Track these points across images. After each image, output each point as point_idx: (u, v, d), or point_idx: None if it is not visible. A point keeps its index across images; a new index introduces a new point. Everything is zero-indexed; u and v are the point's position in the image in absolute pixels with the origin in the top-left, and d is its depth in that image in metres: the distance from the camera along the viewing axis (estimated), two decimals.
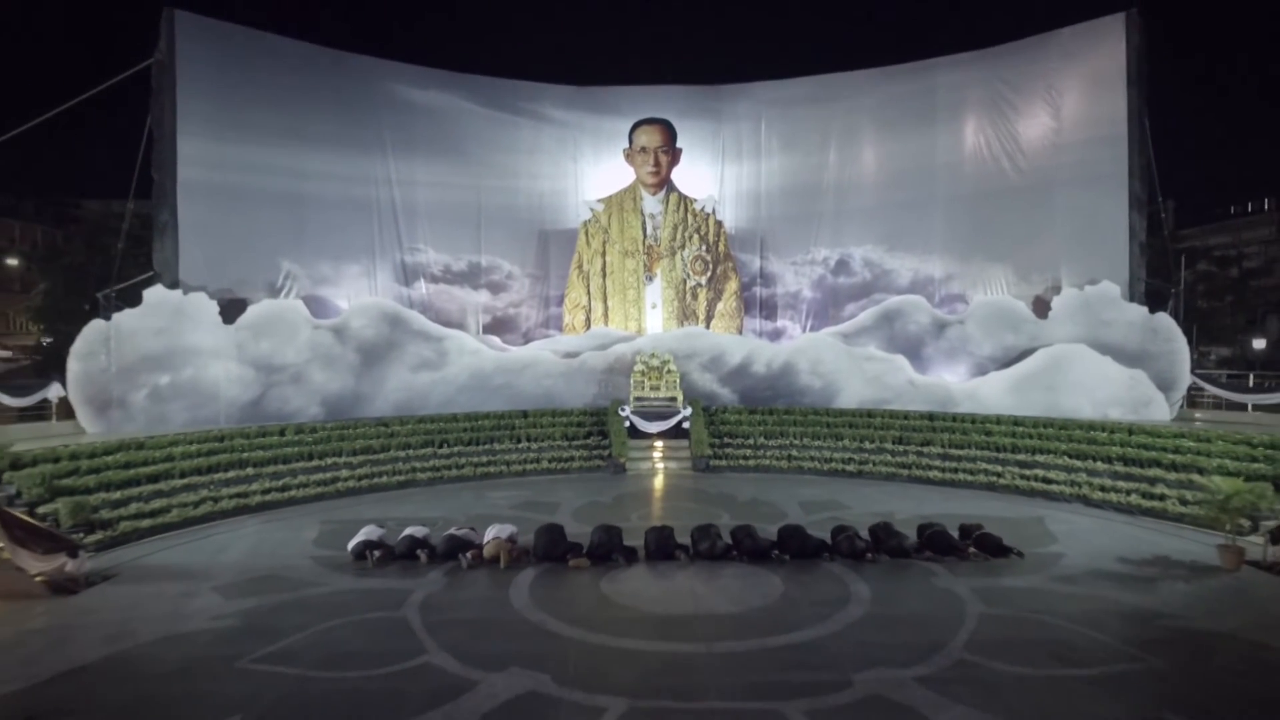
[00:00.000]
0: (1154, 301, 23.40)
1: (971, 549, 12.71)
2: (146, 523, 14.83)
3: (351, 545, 12.85)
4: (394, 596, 10.80)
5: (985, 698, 7.53)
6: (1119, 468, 17.80)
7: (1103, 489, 17.23)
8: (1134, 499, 16.42)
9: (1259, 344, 48.07)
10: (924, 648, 8.76)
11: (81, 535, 13.37)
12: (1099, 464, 18.12)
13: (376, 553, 12.64)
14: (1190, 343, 34.21)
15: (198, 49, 22.46)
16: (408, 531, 13.16)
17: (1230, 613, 9.98)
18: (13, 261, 52.24)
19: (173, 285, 21.68)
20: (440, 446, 21.37)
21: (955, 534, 13.14)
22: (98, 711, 7.42)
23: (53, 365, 35.81)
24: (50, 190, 66.65)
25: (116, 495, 15.20)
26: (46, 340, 43.53)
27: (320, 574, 11.98)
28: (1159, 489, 16.38)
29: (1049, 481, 18.16)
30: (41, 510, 13.77)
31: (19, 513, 12.65)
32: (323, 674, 8.21)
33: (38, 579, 11.83)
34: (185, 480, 16.73)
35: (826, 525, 13.73)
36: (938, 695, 7.60)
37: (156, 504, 15.58)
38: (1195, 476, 15.59)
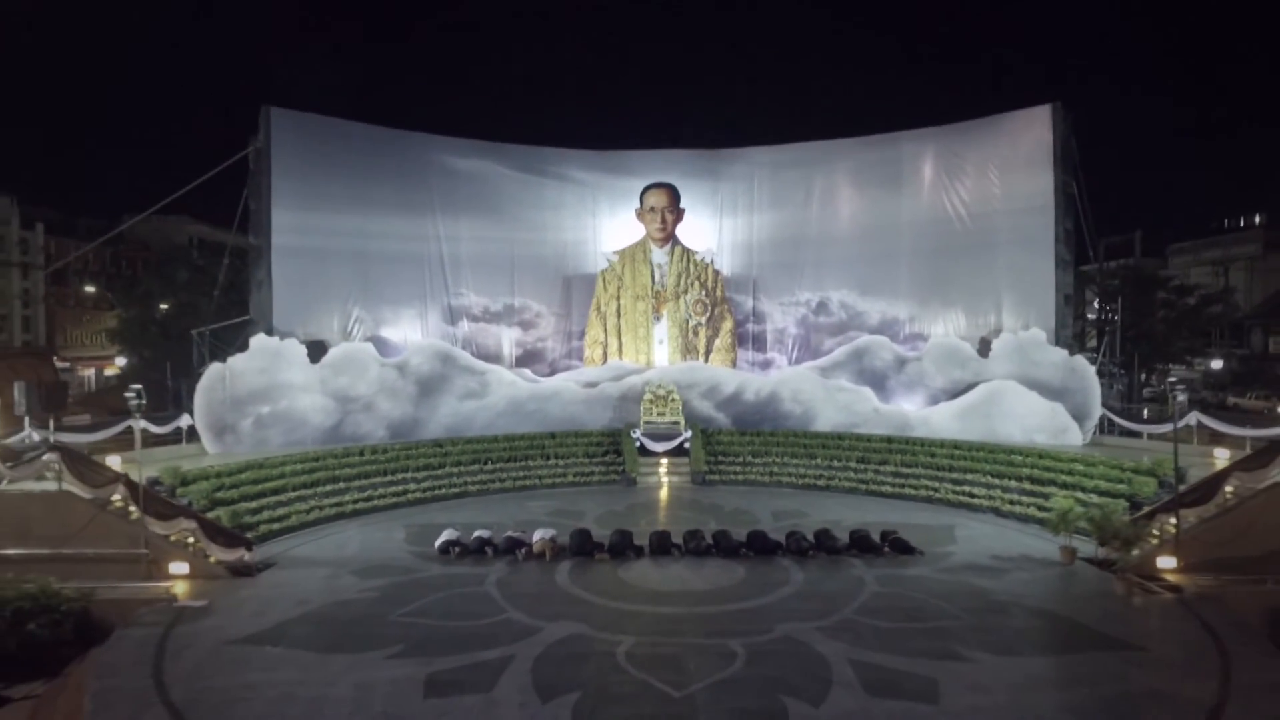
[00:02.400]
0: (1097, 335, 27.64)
1: (886, 548, 17.47)
2: (276, 525, 19.84)
3: (438, 543, 17.76)
4: (475, 578, 15.70)
5: (852, 638, 12.32)
6: (1027, 485, 22.44)
7: (1011, 502, 21.91)
8: (1031, 510, 21.09)
9: (1216, 364, 52.24)
10: (827, 611, 13.57)
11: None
12: (1012, 482, 22.78)
13: (456, 549, 17.56)
14: (1133, 369, 38.67)
15: (288, 137, 27.51)
16: (477, 534, 18.05)
17: (1041, 592, 14.74)
18: (90, 289, 57.77)
19: (269, 332, 26.69)
20: (485, 464, 26.25)
21: (877, 537, 17.91)
22: (318, 641, 12.33)
23: (140, 382, 40.56)
24: (92, 206, 72.20)
25: (253, 504, 20.18)
26: (122, 360, 48.84)
27: (419, 563, 16.91)
28: (1051, 503, 21.01)
29: (972, 495, 22.85)
30: (208, 516, 18.74)
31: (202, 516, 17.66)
32: (445, 623, 13.12)
33: (219, 564, 16.80)
34: (296, 493, 21.72)
35: (787, 530, 18.49)
36: (824, 636, 12.40)
37: (280, 511, 20.57)
38: (1053, 492, 20.21)
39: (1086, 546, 17.13)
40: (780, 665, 11.34)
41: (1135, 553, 16.02)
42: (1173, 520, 17.00)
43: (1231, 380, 63.02)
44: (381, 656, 11.69)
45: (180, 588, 15.41)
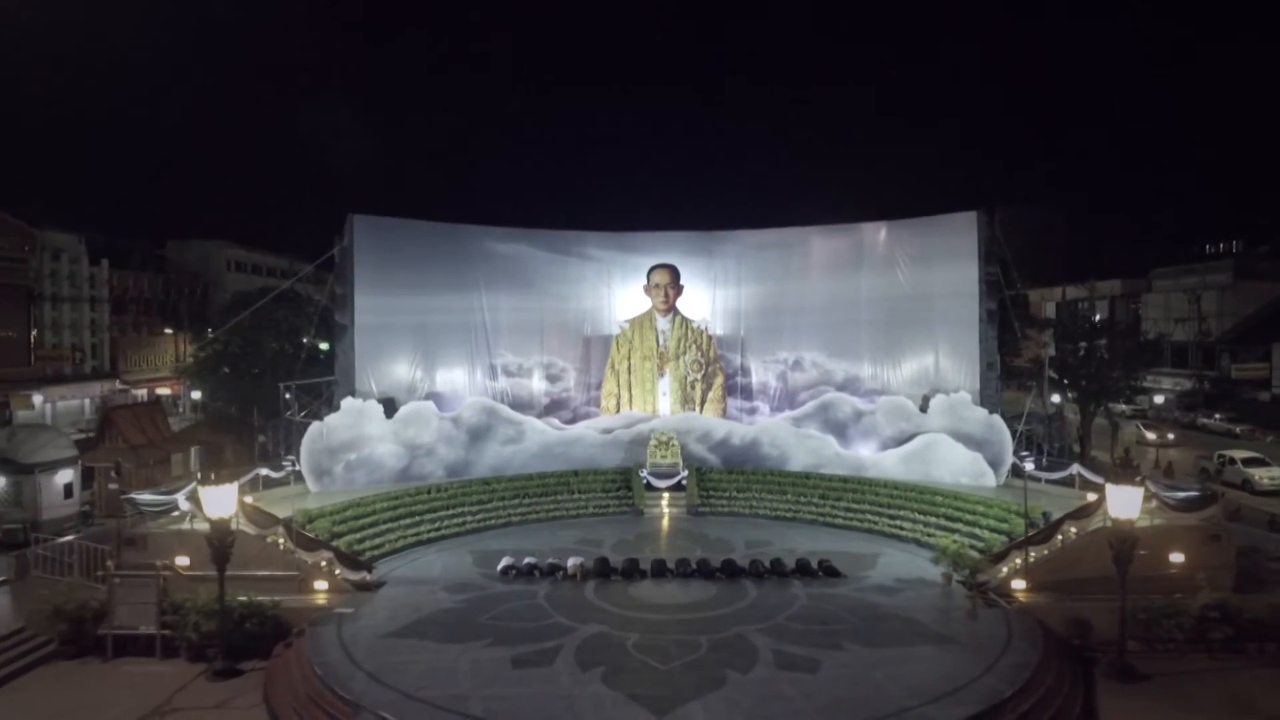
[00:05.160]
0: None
1: (820, 572, 24.29)
2: (377, 552, 26.81)
3: (499, 567, 24.70)
4: (529, 594, 22.64)
5: (777, 635, 19.18)
6: (943, 521, 29.11)
7: (929, 535, 28.61)
8: (948, 541, 27.74)
9: (1158, 399, 58.58)
10: (767, 618, 20.42)
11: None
12: (932, 518, 29.47)
13: (513, 571, 24.51)
14: (1067, 401, 44.77)
15: (368, 237, 34.67)
16: (526, 560, 24.99)
17: (917, 605, 21.52)
18: (169, 330, 65.27)
19: (353, 394, 33.76)
20: (524, 498, 33.12)
21: (815, 564, 24.72)
22: (436, 635, 19.29)
23: (223, 422, 47.43)
24: (133, 233, 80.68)
25: (358, 535, 27.16)
26: (195, 394, 56.09)
27: (487, 582, 23.87)
28: (937, 539, 27.55)
29: (901, 528, 29.56)
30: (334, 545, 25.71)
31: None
32: (515, 624, 20.08)
33: (347, 583, 23.73)
34: (386, 525, 28.71)
35: (751, 558, 25.28)
36: (760, 634, 19.26)
37: (377, 540, 27.56)
38: (959, 528, 26.93)
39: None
40: (729, 651, 18.24)
41: (984, 577, 22.76)
42: (1030, 553, 23.77)
43: (1203, 401, 69.70)
44: (480, 645, 18.67)
45: (325, 600, 22.44)
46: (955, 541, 25.21)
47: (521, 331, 39.14)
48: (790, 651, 18.24)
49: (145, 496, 24.62)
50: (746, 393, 40.19)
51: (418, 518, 29.91)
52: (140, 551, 23.09)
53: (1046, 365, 40.95)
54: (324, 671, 17.03)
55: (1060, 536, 24.20)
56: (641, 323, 39.72)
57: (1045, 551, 23.94)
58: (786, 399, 39.26)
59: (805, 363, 39.15)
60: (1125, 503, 19.06)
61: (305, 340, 37.05)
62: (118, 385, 71.17)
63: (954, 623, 20.38)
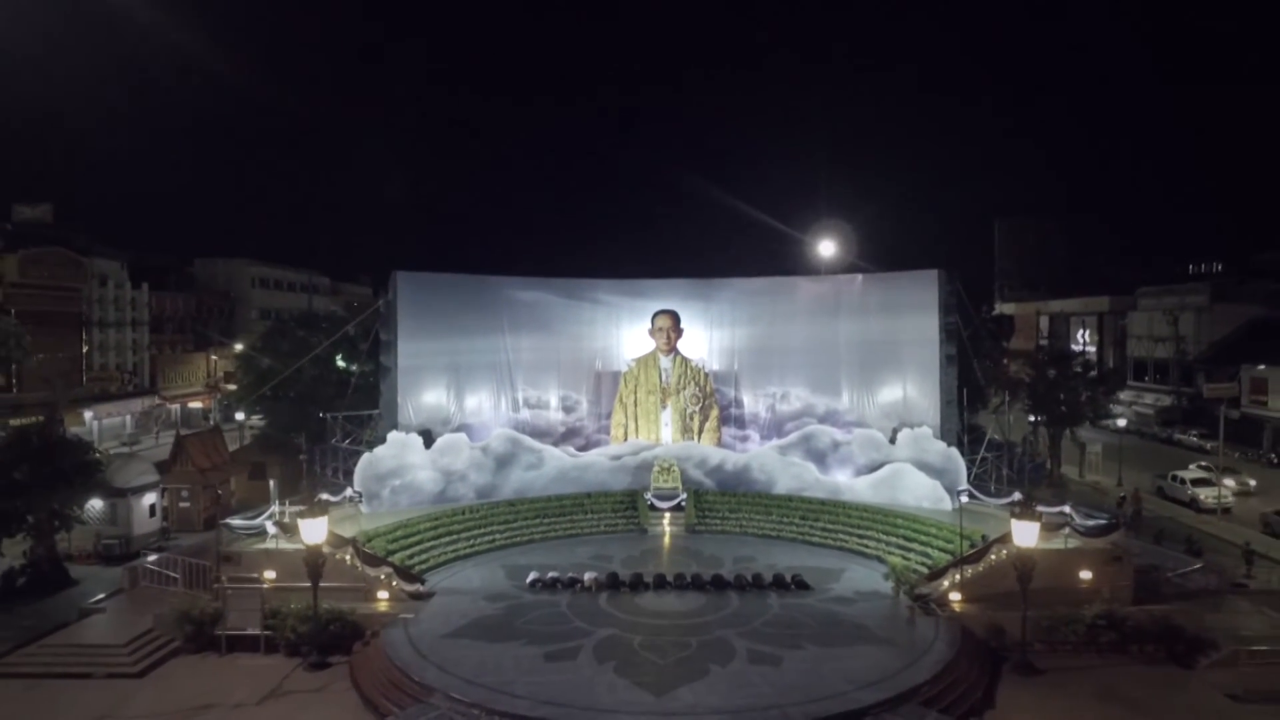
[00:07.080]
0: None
1: (792, 585, 29.37)
2: (423, 566, 32.00)
3: (528, 580, 29.84)
4: (554, 603, 27.78)
5: (752, 637, 24.28)
6: (902, 540, 34.16)
7: (889, 553, 33.64)
8: (898, 559, 32.80)
9: (1121, 422, 63.42)
10: (745, 623, 25.52)
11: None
12: (893, 538, 34.52)
13: (539, 583, 29.65)
14: (1035, 429, 49.86)
15: (409, 290, 40.01)
16: (550, 574, 30.12)
17: (868, 613, 26.59)
18: (216, 357, 70.61)
19: (395, 427, 39.02)
20: (544, 518, 38.21)
21: (789, 578, 29.79)
22: (484, 636, 24.46)
23: (272, 444, 52.15)
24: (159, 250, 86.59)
25: (407, 552, 32.33)
26: (240, 415, 61.14)
27: (518, 593, 29.02)
28: (911, 555, 32.74)
29: (867, 546, 34.61)
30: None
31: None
32: (545, 627, 25.24)
33: (403, 593, 28.88)
34: (430, 543, 33.88)
35: (736, 573, 30.35)
36: (738, 636, 24.36)
37: (423, 556, 32.74)
38: (915, 547, 31.99)
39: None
40: (712, 649, 23.38)
41: (924, 590, 27.81)
42: (967, 570, 28.81)
43: (1181, 417, 74.71)
44: (519, 644, 23.86)
45: (387, 607, 27.64)
46: (906, 559, 30.28)
47: (540, 368, 44.39)
48: (761, 650, 23.38)
49: (237, 521, 29.93)
50: (739, 423, 45.28)
51: (455, 536, 35.09)
52: (235, 567, 28.35)
53: (1006, 398, 46.02)
54: (401, 664, 22.23)
55: (993, 556, 29.22)
56: (646, 361, 44.91)
57: (980, 569, 28.98)
58: (774, 429, 44.31)
59: (791, 396, 44.25)
60: (1025, 533, 24.14)
61: (347, 368, 42.35)
62: (156, 400, 76.76)
63: (894, 628, 25.47)
